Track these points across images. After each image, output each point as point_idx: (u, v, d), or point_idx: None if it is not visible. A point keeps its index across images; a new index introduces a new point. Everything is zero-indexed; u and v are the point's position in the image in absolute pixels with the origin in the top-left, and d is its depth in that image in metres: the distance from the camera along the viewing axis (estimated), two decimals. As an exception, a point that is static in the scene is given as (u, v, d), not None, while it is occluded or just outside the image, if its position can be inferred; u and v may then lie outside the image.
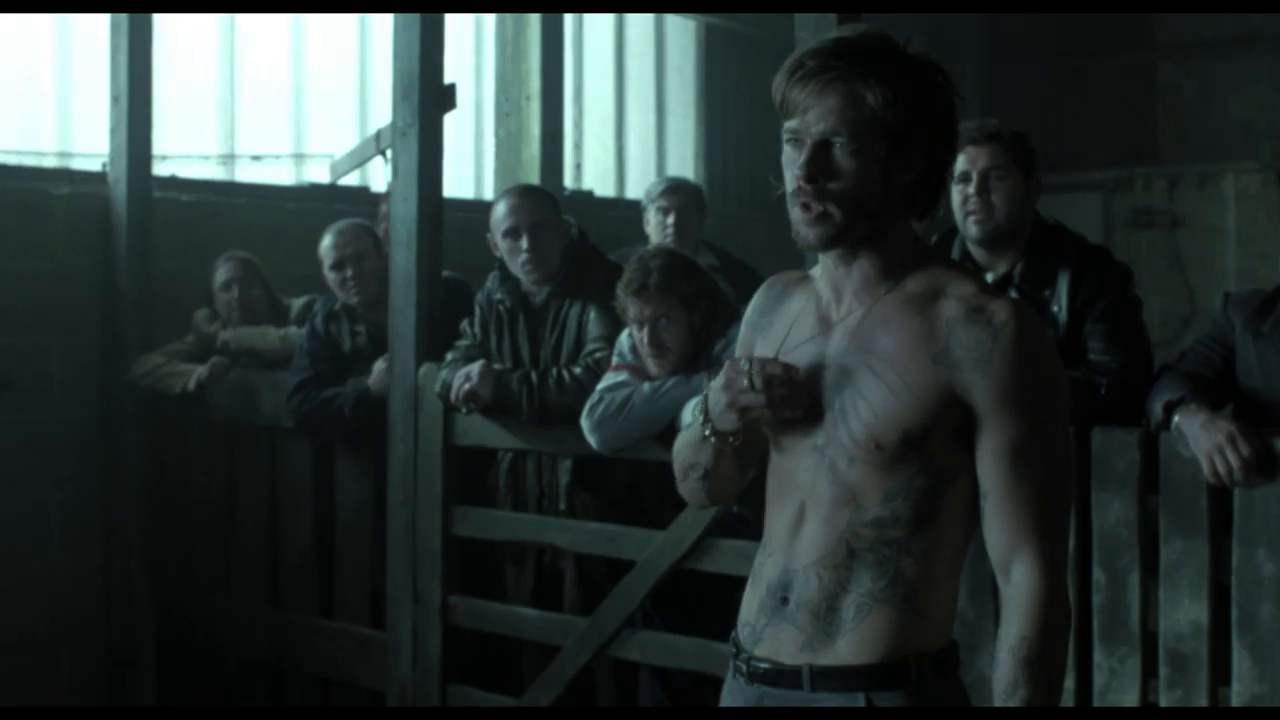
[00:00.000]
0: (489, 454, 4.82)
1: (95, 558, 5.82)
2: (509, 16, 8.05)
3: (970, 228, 4.00)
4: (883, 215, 2.29)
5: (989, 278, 4.00)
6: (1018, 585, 2.24)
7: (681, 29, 9.25)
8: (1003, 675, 2.22)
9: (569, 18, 8.22)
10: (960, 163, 3.96)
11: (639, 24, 9.02)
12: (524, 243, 4.69)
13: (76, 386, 5.78)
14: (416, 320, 4.85)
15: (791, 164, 2.28)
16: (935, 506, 2.29)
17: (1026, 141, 4.05)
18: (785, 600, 2.35)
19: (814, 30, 3.78)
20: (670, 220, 5.79)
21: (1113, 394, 3.73)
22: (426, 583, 4.81)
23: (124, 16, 5.81)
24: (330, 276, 5.26)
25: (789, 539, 2.37)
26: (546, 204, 4.84)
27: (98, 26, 6.00)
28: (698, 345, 4.29)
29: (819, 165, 2.25)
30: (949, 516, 2.30)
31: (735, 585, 4.41)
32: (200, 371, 5.50)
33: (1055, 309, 3.90)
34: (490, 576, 4.87)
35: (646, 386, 4.21)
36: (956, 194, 3.98)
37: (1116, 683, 3.57)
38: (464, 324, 4.85)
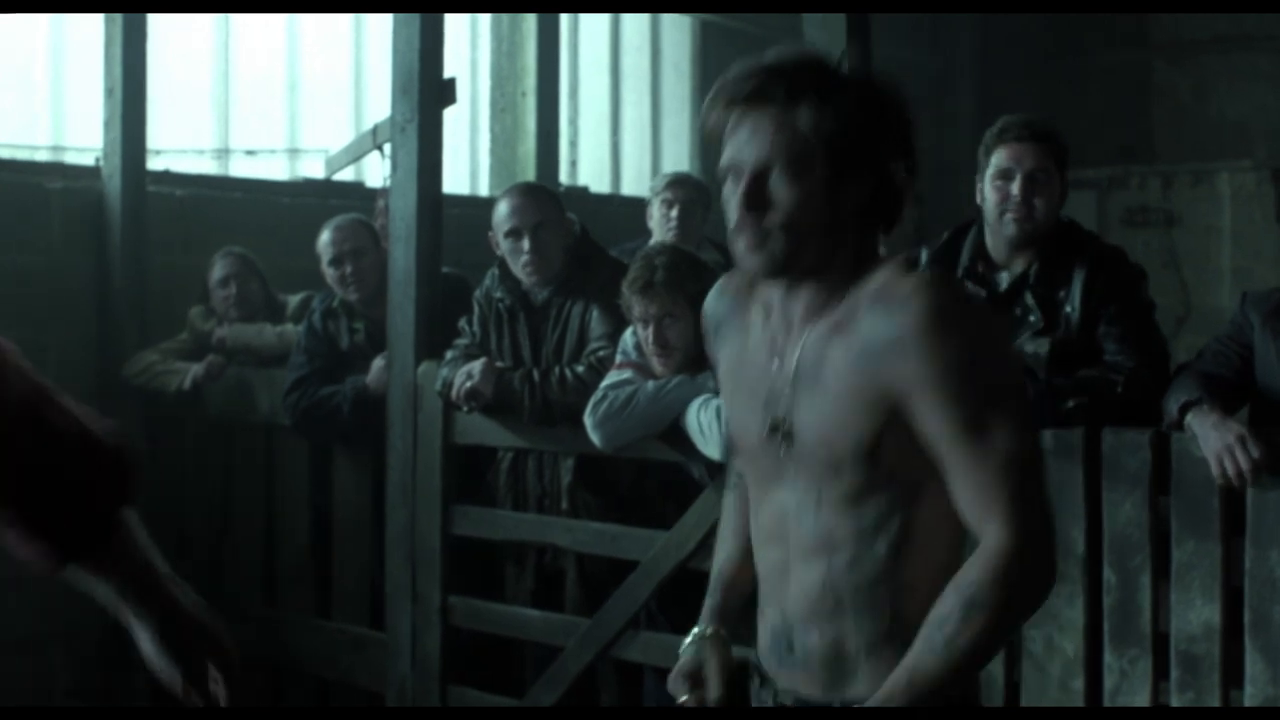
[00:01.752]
0: (489, 453, 4.78)
1: (89, 556, 5.76)
2: (505, 15, 8.01)
3: (1008, 226, 3.95)
4: (833, 236, 2.22)
5: (1004, 276, 4.00)
6: (984, 543, 2.13)
7: (677, 25, 9.22)
8: (939, 607, 2.12)
9: (565, 17, 8.19)
10: (1002, 159, 3.94)
11: (635, 20, 8.99)
12: (526, 244, 4.63)
13: (71, 382, 5.60)
14: (415, 317, 4.80)
15: (731, 196, 2.22)
16: (910, 531, 2.21)
17: (1063, 139, 4.02)
18: (791, 648, 2.31)
19: (821, 29, 3.75)
20: (674, 214, 5.75)
21: (1130, 392, 3.70)
22: (426, 582, 4.77)
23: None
24: (329, 272, 5.22)
25: (780, 586, 2.32)
26: (549, 204, 4.77)
27: (92, 19, 5.95)
28: (702, 343, 4.25)
29: (758, 196, 2.19)
30: (932, 531, 2.21)
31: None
32: (196, 370, 5.46)
33: (1069, 309, 3.87)
34: (490, 576, 4.83)
35: (651, 385, 4.17)
36: (994, 191, 3.95)
37: (1127, 684, 3.54)
38: (462, 322, 4.79)
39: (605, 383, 4.28)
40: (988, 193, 3.96)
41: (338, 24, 7.29)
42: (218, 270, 5.71)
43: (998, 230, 3.99)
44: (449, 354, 4.68)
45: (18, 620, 5.51)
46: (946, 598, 2.12)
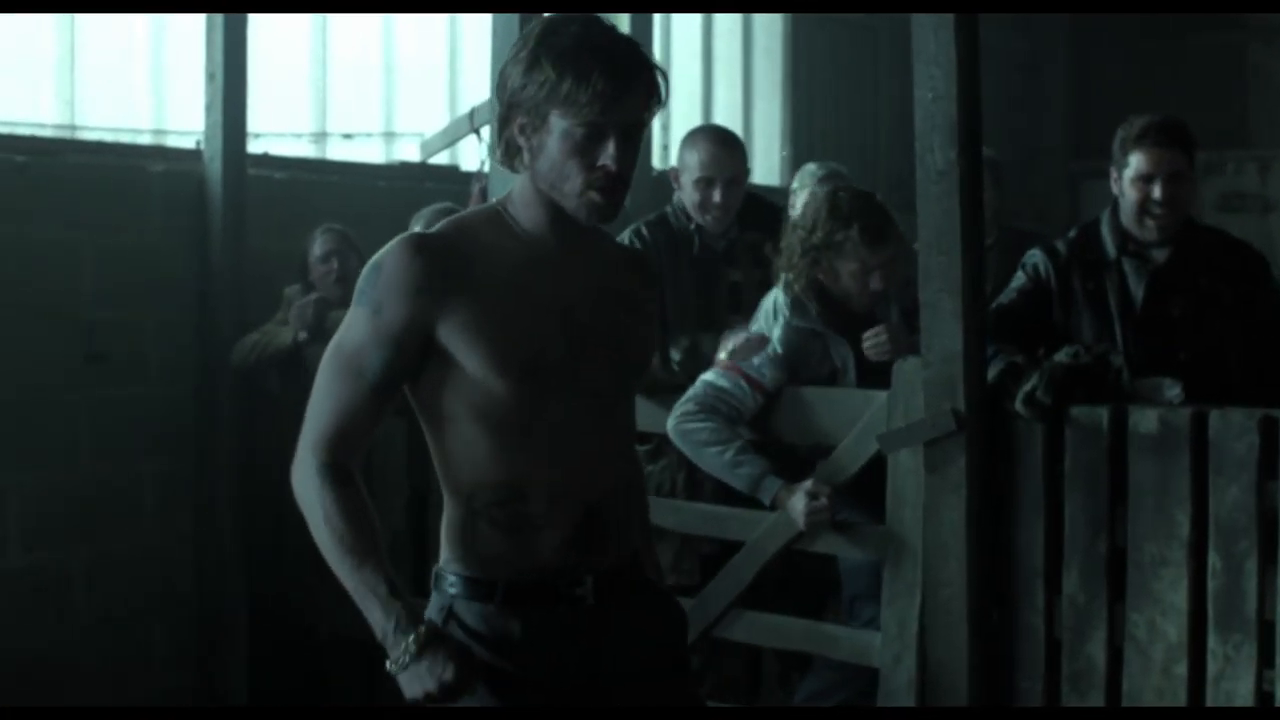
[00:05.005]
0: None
1: (187, 532, 5.86)
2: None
3: (1149, 228, 4.13)
4: None
5: (1158, 254, 4.18)
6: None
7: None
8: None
9: (657, 18, 8.17)
10: (1141, 164, 4.10)
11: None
12: (716, 195, 4.84)
13: (171, 361, 5.81)
14: (515, 297, 4.81)
15: (584, 151, 2.44)
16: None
17: (1194, 139, 4.18)
18: (605, 529, 2.60)
19: (933, 32, 3.73)
20: None
21: None
22: (522, 562, 4.78)
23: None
24: None
25: (584, 477, 2.60)
26: (742, 157, 5.01)
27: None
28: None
29: (632, 155, 2.48)
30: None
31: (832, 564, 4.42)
32: (300, 311, 5.51)
33: (1220, 285, 4.10)
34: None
35: (730, 452, 4.20)
36: (1134, 191, 4.11)
37: (1231, 670, 3.50)
38: None
39: (699, 386, 4.30)
40: (1127, 191, 4.14)
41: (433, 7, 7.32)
42: (319, 246, 5.76)
43: (1138, 226, 4.15)
44: None
45: (117, 593, 5.61)
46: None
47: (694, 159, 4.86)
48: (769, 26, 9.21)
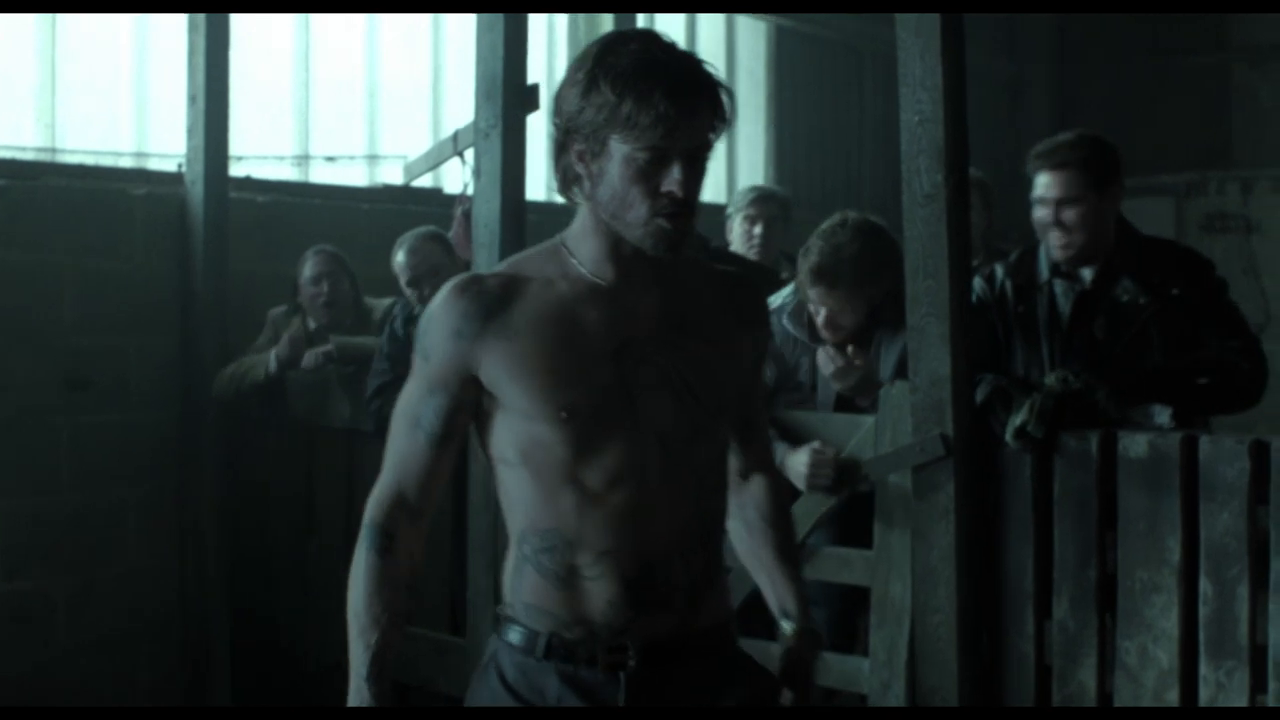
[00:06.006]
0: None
1: (172, 557, 5.83)
2: (581, 17, 8.01)
3: (1054, 251, 4.07)
4: None
5: (1087, 272, 4.08)
6: (763, 479, 2.76)
7: (752, 30, 9.20)
8: (781, 535, 2.73)
9: (640, 17, 8.18)
10: (1038, 186, 4.05)
11: (710, 26, 8.97)
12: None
13: (153, 387, 5.78)
14: (500, 323, 4.79)
15: (647, 177, 2.30)
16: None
17: (1103, 154, 4.06)
18: (651, 588, 2.41)
19: (919, 55, 3.71)
20: (757, 230, 5.71)
21: (1256, 368, 3.88)
22: (509, 588, 4.75)
23: (201, 15, 5.80)
24: (408, 292, 5.25)
25: (632, 529, 2.41)
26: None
27: (175, 27, 6.00)
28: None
29: (699, 180, 2.35)
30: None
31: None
32: (277, 349, 5.49)
33: (1174, 291, 3.98)
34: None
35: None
36: (1036, 213, 4.07)
37: (1224, 696, 3.47)
38: None
39: None
40: (1034, 212, 4.09)
41: (416, 30, 7.32)
42: (309, 268, 5.73)
43: (1049, 248, 4.10)
44: None
45: (101, 619, 5.57)
46: (776, 520, 2.69)
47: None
48: (752, 48, 9.21)
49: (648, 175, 2.29)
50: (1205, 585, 3.48)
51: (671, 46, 2.33)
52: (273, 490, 5.68)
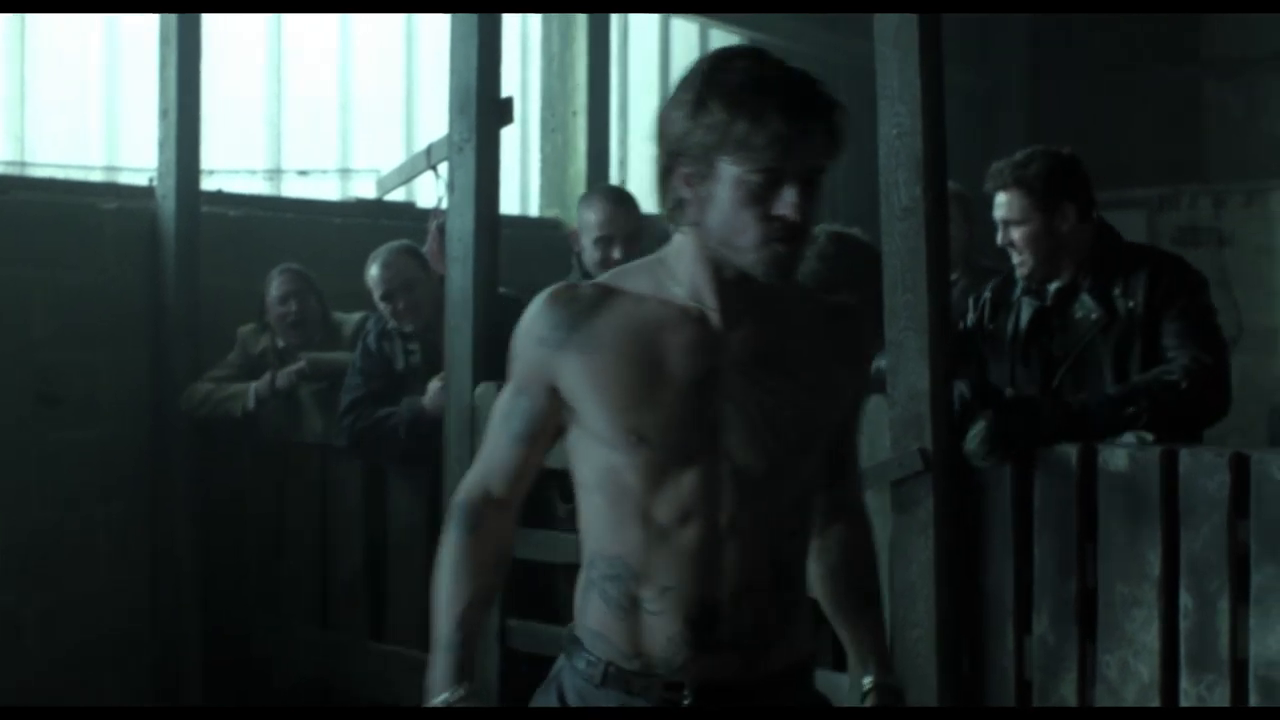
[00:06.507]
0: (545, 474, 4.72)
1: (143, 577, 5.77)
2: (555, 29, 8.00)
3: (1017, 268, 4.12)
4: None
5: (1050, 288, 4.10)
6: (855, 517, 2.63)
7: (725, 44, 9.18)
8: (862, 574, 2.63)
9: (614, 31, 8.17)
10: (994, 205, 4.11)
11: (684, 40, 8.96)
12: (616, 252, 4.85)
13: (124, 403, 5.74)
14: (473, 338, 4.76)
15: (760, 200, 2.21)
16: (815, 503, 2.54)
17: (1053, 172, 4.03)
18: (713, 629, 2.34)
19: (897, 68, 3.70)
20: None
21: (1193, 388, 3.74)
22: (483, 605, 4.71)
23: (173, 28, 5.77)
24: (381, 305, 5.22)
25: (698, 566, 2.34)
26: (638, 214, 5.05)
27: (146, 40, 5.96)
28: None
29: (813, 204, 2.24)
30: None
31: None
32: (257, 386, 5.46)
33: (1131, 304, 3.94)
34: (549, 598, 4.77)
35: None
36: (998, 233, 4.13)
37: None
38: None
39: None
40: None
41: (389, 45, 7.29)
42: (276, 287, 5.69)
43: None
44: None
45: (71, 639, 5.51)
46: (861, 566, 2.59)
47: (592, 219, 4.87)
48: (726, 62, 9.19)
49: (760, 198, 2.20)
50: (1186, 599, 3.48)
51: (782, 63, 2.24)
52: (245, 507, 5.64)
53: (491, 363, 4.73)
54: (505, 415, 2.46)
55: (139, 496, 5.75)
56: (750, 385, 2.31)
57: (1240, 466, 3.42)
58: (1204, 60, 10.69)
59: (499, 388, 4.52)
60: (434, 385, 4.93)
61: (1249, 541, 3.41)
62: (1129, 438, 3.70)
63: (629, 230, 4.83)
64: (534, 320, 2.39)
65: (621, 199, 4.99)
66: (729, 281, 2.31)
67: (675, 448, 2.29)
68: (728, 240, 2.25)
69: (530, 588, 4.72)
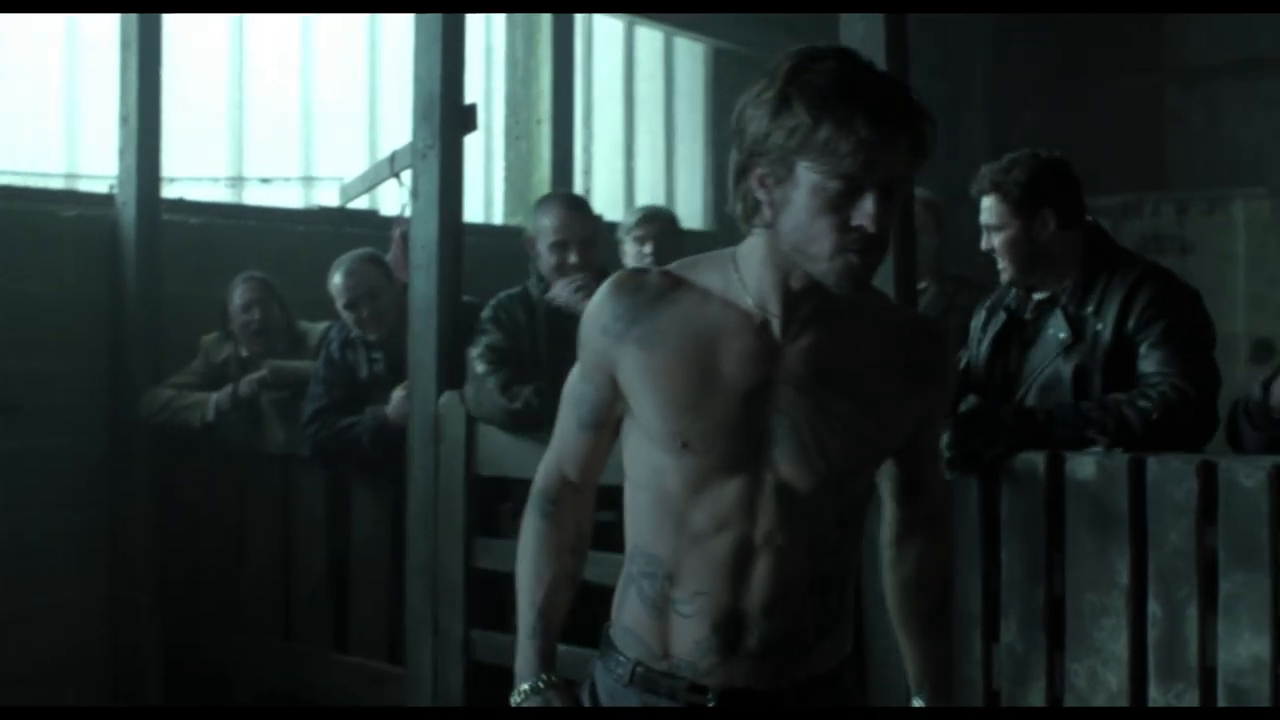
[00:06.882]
0: (507, 484, 4.69)
1: (102, 588, 5.72)
2: (519, 36, 7.98)
3: (1000, 273, 4.06)
4: None
5: (1032, 300, 4.05)
6: (930, 534, 2.61)
7: (690, 53, 9.20)
8: (931, 594, 2.62)
9: (579, 38, 8.17)
10: (980, 211, 4.04)
11: (648, 48, 8.96)
12: (572, 257, 4.76)
13: (83, 412, 5.68)
14: (437, 346, 4.73)
15: (838, 208, 2.12)
16: (862, 513, 2.48)
17: (1034, 178, 3.95)
18: (742, 638, 2.32)
19: (862, 31, 3.67)
20: (648, 249, 5.63)
21: (1167, 418, 3.63)
22: (448, 616, 4.68)
23: (134, 32, 5.73)
24: (345, 315, 5.18)
25: (730, 574, 2.32)
26: (593, 219, 5.00)
27: (106, 45, 5.91)
28: None
29: (892, 215, 2.16)
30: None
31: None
32: (217, 398, 5.41)
33: (1099, 326, 3.83)
34: (510, 610, 4.74)
35: None
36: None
37: None
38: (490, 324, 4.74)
39: None
40: None
41: (352, 52, 7.26)
42: (239, 295, 5.65)
43: None
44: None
45: (29, 652, 5.45)
46: (930, 586, 2.57)
47: (547, 224, 4.81)
48: (690, 69, 9.22)
49: (838, 206, 2.11)
50: (1154, 607, 3.46)
51: (870, 66, 2.16)
52: (205, 517, 5.59)
53: (455, 371, 4.71)
54: (574, 401, 2.45)
55: (98, 507, 5.70)
56: (804, 400, 2.25)
57: (1208, 474, 3.40)
58: (1165, 68, 10.73)
59: (461, 397, 4.56)
60: (398, 394, 4.89)
61: (1217, 549, 3.40)
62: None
63: (584, 235, 4.79)
64: (599, 307, 2.35)
65: (577, 204, 4.96)
66: (796, 290, 2.25)
67: (720, 457, 2.25)
68: (801, 247, 2.17)
69: (491, 599, 4.69)
